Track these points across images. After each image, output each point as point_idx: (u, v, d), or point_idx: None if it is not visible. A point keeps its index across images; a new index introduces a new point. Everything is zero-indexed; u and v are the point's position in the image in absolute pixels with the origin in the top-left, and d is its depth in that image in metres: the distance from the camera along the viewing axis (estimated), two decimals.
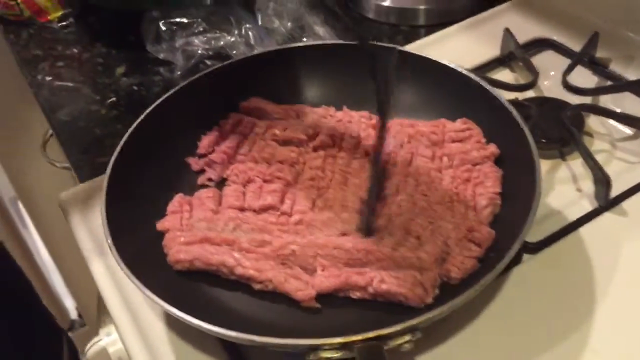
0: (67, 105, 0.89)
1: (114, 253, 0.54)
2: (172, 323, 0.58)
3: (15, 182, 1.38)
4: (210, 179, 0.65)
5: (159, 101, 0.67)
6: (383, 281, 0.52)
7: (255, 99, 0.70)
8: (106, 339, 0.65)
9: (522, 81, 0.79)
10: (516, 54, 0.80)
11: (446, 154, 0.62)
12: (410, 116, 0.68)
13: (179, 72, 0.91)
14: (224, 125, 0.68)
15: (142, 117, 0.66)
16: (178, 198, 0.62)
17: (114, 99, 0.89)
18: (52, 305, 1.62)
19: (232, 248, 0.56)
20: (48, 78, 0.94)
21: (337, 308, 0.54)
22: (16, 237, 1.48)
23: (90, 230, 0.68)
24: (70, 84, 0.92)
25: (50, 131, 1.06)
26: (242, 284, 0.56)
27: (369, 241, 0.55)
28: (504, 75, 0.82)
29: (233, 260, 0.55)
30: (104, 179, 0.70)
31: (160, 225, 0.59)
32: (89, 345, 0.66)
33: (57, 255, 1.52)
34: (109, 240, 0.54)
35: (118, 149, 0.63)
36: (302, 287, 0.53)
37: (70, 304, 1.70)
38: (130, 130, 0.65)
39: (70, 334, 1.71)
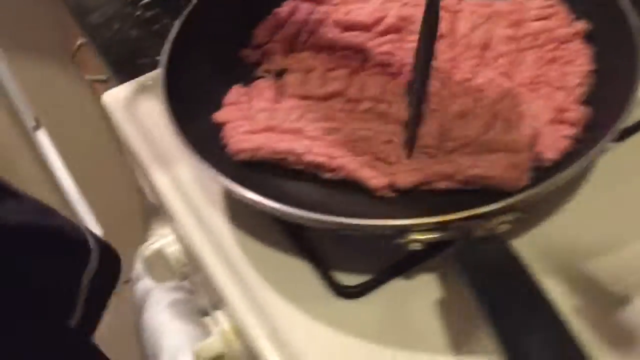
0: (98, 7, 0.84)
1: (180, 137, 0.50)
2: (236, 217, 0.55)
3: (38, 101, 1.33)
4: (267, 71, 0.60)
5: None
6: (475, 166, 0.47)
7: None
8: (162, 240, 0.62)
9: None
10: None
11: (529, 34, 0.57)
12: None
13: None
14: (279, 14, 0.63)
15: (190, 7, 0.61)
16: (235, 89, 0.57)
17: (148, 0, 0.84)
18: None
19: (298, 137, 0.52)
20: None
21: (414, 197, 0.50)
22: (38, 161, 1.45)
23: (140, 131, 0.63)
24: None
25: (79, 42, 1.01)
26: (307, 174, 0.52)
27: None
28: None
29: (302, 147, 0.51)
30: (149, 76, 0.67)
31: (218, 116, 0.55)
32: (142, 248, 0.62)
33: (82, 183, 1.49)
34: (175, 127, 0.50)
35: (169, 40, 0.58)
36: (376, 174, 0.49)
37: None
38: (179, 21, 0.60)
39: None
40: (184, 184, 0.58)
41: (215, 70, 0.60)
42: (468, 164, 0.48)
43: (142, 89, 0.67)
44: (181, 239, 0.59)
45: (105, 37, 0.79)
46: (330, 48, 0.59)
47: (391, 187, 0.49)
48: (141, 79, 0.68)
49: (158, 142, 0.62)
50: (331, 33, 0.60)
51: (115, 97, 0.67)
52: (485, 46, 0.57)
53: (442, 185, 0.49)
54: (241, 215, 0.55)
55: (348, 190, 0.50)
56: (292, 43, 0.61)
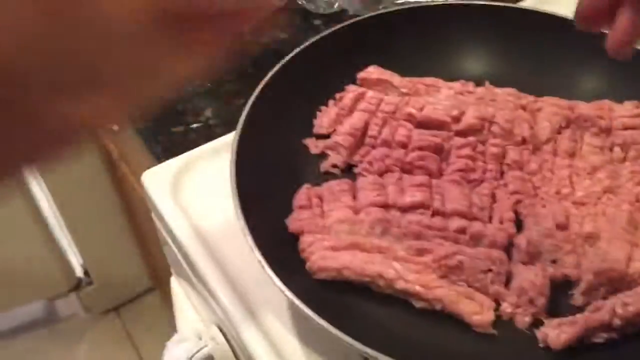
0: None
1: (256, 253, 0.46)
2: (304, 333, 0.50)
3: None
4: (334, 166, 0.56)
5: (274, 71, 0.57)
6: (627, 304, 0.44)
7: (375, 68, 0.60)
8: (211, 345, 0.57)
9: None
10: None
11: (618, 144, 0.54)
12: (548, 92, 0.59)
13: None
14: (342, 99, 0.59)
15: (256, 91, 0.56)
16: (305, 190, 0.53)
17: None
18: (57, 263, 1.52)
19: (387, 256, 0.48)
20: None
21: (517, 333, 0.47)
22: (22, 191, 1.36)
23: (188, 219, 0.58)
24: None
25: None
26: (394, 299, 0.48)
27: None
28: None
29: (393, 271, 0.46)
30: (193, 154, 0.62)
31: (294, 225, 0.50)
32: (193, 352, 0.57)
33: (64, 211, 1.41)
34: (249, 238, 0.46)
35: (238, 130, 0.53)
36: (478, 309, 0.46)
37: (75, 261, 1.60)
38: (246, 109, 0.55)
39: (76, 293, 1.63)
40: (243, 288, 0.53)
41: (280, 162, 0.56)
42: (620, 302, 0.45)
43: (186, 168, 0.62)
44: (240, 348, 0.54)
45: None
46: (404, 146, 0.55)
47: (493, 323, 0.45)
48: (182, 157, 0.63)
49: (211, 238, 0.57)
50: (404, 129, 0.56)
51: (157, 176, 0.61)
52: (573, 154, 0.54)
53: (601, 339, 0.45)
54: (310, 332, 0.50)
55: (443, 321, 0.46)
56: (362, 136, 0.57)
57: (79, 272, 1.61)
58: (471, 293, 0.46)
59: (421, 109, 0.57)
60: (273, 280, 0.44)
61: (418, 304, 0.47)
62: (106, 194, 1.38)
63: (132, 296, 1.68)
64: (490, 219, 0.51)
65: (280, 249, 0.49)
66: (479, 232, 0.49)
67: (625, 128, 0.55)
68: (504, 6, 0.60)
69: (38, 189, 1.54)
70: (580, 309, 0.47)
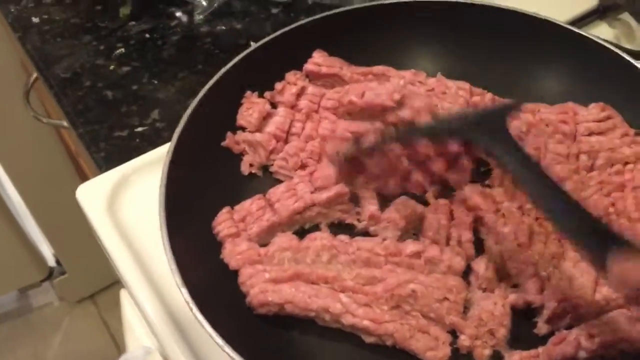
0: (64, 57, 0.72)
1: (184, 294, 0.41)
2: None
3: None
4: (252, 165, 0.53)
5: (221, 73, 0.53)
6: (592, 335, 0.40)
7: (320, 54, 0.55)
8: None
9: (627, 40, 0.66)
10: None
11: (584, 151, 0.49)
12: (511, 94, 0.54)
13: (200, 16, 0.75)
14: (282, 93, 0.54)
15: (203, 92, 0.53)
16: (226, 216, 0.48)
17: (122, 50, 0.72)
18: (28, 253, 1.48)
19: (333, 287, 0.43)
20: (35, 19, 0.76)
21: None
22: None
23: (121, 233, 0.54)
24: (64, 29, 0.75)
25: (34, 76, 0.88)
26: (343, 333, 0.44)
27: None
28: (602, 31, 0.68)
29: (340, 305, 0.42)
30: (130, 166, 0.57)
31: (235, 262, 0.45)
32: None
33: (31, 202, 1.36)
34: (178, 277, 0.41)
35: (171, 147, 0.48)
36: (432, 344, 0.41)
37: (47, 251, 1.56)
38: (188, 112, 0.51)
39: (49, 282, 1.60)
40: (183, 322, 0.49)
41: (210, 172, 0.51)
42: (584, 334, 0.41)
43: (125, 181, 0.57)
44: None
45: (75, 97, 0.68)
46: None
47: None
48: (122, 169, 0.58)
49: (147, 260, 0.52)
50: (327, 122, 0.52)
51: (92, 192, 0.57)
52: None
53: None
54: None
55: (395, 357, 0.42)
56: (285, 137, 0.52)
57: (51, 261, 1.57)
58: (425, 326, 0.42)
59: (362, 96, 0.51)
60: (203, 326, 0.39)
61: (368, 339, 0.43)
62: (73, 184, 1.32)
63: (108, 283, 1.65)
64: (447, 240, 0.46)
65: (214, 282, 0.45)
66: (435, 257, 0.44)
67: (591, 134, 0.50)
68: (463, 2, 0.55)
69: (5, 181, 1.49)
70: (544, 338, 0.43)
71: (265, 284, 0.43)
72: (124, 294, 0.69)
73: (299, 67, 0.57)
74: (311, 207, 0.48)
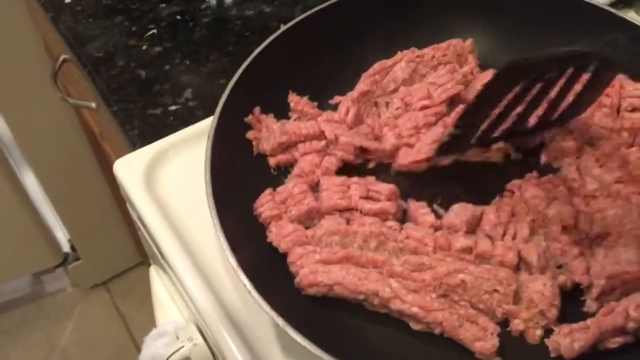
0: (97, 37, 0.73)
1: (236, 269, 0.42)
2: (286, 346, 0.47)
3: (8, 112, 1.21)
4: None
5: (265, 44, 0.54)
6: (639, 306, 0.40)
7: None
8: (188, 346, 0.54)
9: None
10: None
11: (626, 128, 0.50)
12: None
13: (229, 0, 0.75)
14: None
15: (240, 71, 0.52)
16: (269, 198, 0.48)
17: (154, 31, 0.73)
18: (44, 238, 1.49)
19: (381, 271, 0.44)
20: (67, 0, 0.77)
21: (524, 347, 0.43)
22: (4, 167, 1.32)
23: (162, 212, 0.54)
24: (95, 10, 0.76)
25: (62, 58, 0.89)
26: (389, 319, 0.44)
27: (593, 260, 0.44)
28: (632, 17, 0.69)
29: (389, 290, 0.42)
30: (168, 142, 0.57)
31: (285, 245, 0.46)
32: (171, 352, 0.54)
33: (49, 187, 1.37)
34: (229, 254, 0.42)
35: (214, 121, 0.49)
36: (481, 334, 0.42)
37: (62, 237, 1.57)
38: (227, 92, 0.51)
39: (63, 268, 1.61)
40: (222, 292, 0.50)
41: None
42: (633, 304, 0.41)
43: (161, 157, 0.58)
44: (219, 353, 0.50)
45: (109, 76, 0.69)
46: None
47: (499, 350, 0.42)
48: (159, 145, 0.59)
49: (187, 233, 0.53)
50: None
51: (130, 166, 0.57)
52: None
53: (615, 343, 0.41)
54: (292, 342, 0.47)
55: (441, 344, 0.43)
56: None
57: (65, 247, 1.58)
58: (474, 316, 0.42)
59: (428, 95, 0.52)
60: (257, 302, 0.40)
61: (415, 327, 0.43)
62: (91, 170, 1.34)
63: (121, 270, 1.66)
64: (502, 235, 0.47)
65: (263, 262, 0.46)
66: (486, 252, 0.45)
67: (634, 109, 0.50)
68: None
69: (23, 166, 1.50)
70: (593, 316, 0.44)
71: (315, 264, 0.44)
72: (153, 271, 0.70)
73: (335, 45, 0.57)
74: (353, 211, 0.48)
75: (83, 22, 0.74)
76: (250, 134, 0.52)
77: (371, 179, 0.50)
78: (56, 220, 1.54)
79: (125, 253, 1.60)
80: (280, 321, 0.40)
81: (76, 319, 1.62)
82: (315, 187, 0.49)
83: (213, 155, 0.47)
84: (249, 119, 0.52)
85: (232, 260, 0.42)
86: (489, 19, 0.55)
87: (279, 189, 0.49)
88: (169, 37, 0.72)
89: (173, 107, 0.66)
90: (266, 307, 0.40)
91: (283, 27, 0.54)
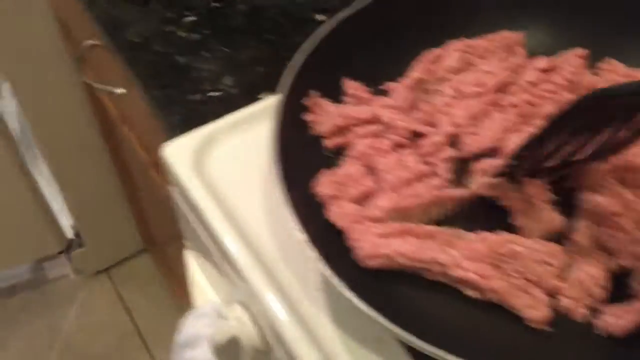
0: (133, 22, 0.73)
1: (306, 242, 0.43)
2: (338, 317, 0.48)
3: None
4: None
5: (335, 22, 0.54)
6: None
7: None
8: (236, 325, 0.55)
9: None
10: None
11: None
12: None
13: None
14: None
15: (303, 56, 0.53)
16: (328, 179, 0.50)
17: (191, 17, 0.74)
18: (48, 224, 1.49)
19: (439, 242, 0.46)
20: None
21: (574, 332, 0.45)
22: (13, 152, 1.32)
23: (212, 195, 0.55)
24: None
25: (89, 44, 0.90)
26: (442, 286, 0.46)
27: None
28: None
29: (449, 258, 0.44)
30: (217, 127, 0.58)
31: (343, 221, 0.47)
32: (216, 331, 0.55)
33: (57, 172, 1.37)
34: (298, 227, 0.43)
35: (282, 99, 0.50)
36: (533, 303, 0.44)
37: (65, 223, 1.57)
38: (289, 76, 0.52)
39: (66, 254, 1.61)
40: (273, 267, 0.51)
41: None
42: None
43: (210, 140, 0.59)
44: (270, 330, 0.52)
45: (146, 61, 0.69)
46: None
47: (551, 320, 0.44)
48: (208, 129, 0.60)
49: (238, 214, 0.54)
50: None
51: (179, 150, 0.58)
52: None
53: None
54: (345, 313, 0.48)
55: (495, 313, 0.45)
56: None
57: (69, 233, 1.58)
58: (526, 285, 0.44)
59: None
60: (326, 274, 0.42)
61: (469, 292, 0.45)
62: (100, 156, 1.34)
63: (124, 257, 1.66)
64: None
65: (323, 232, 0.47)
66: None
67: None
68: None
69: (29, 150, 1.50)
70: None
71: (375, 237, 0.45)
72: (187, 255, 0.71)
73: (387, 33, 0.58)
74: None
75: (118, 7, 0.75)
76: (308, 116, 0.53)
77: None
78: (61, 205, 1.54)
79: (128, 240, 1.60)
80: (347, 292, 0.41)
81: (79, 305, 1.63)
82: (370, 170, 0.51)
83: (277, 134, 0.48)
84: (308, 102, 0.53)
85: (301, 234, 0.43)
86: (540, 13, 0.57)
87: (337, 170, 0.50)
88: (206, 24, 0.73)
89: (213, 94, 0.66)
90: (335, 279, 0.42)
91: (340, 16, 0.55)
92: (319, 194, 0.49)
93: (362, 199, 0.49)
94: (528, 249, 0.45)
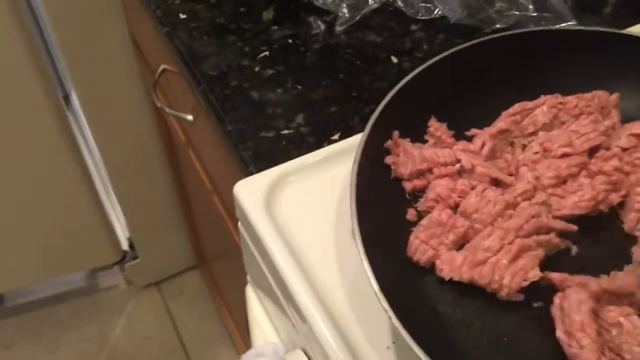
0: (211, 55, 0.75)
1: (377, 293, 0.43)
2: None
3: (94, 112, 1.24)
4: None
5: (414, 74, 0.54)
6: None
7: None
8: None
9: None
10: None
11: None
12: None
13: (341, 27, 0.77)
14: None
15: (389, 97, 0.53)
16: (416, 242, 0.49)
17: (266, 53, 0.75)
18: (106, 235, 1.52)
19: None
20: (182, 15, 0.79)
21: None
22: (79, 162, 1.35)
23: (281, 235, 0.56)
24: (210, 28, 0.78)
25: (162, 68, 0.92)
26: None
27: None
28: None
29: None
30: (290, 166, 0.59)
31: (465, 274, 0.47)
32: None
33: (118, 185, 1.40)
34: (376, 287, 0.43)
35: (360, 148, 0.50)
36: None
37: (122, 234, 1.60)
38: (374, 116, 0.52)
39: (119, 265, 1.64)
40: (339, 316, 0.51)
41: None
42: None
43: (282, 181, 0.59)
44: None
45: (222, 95, 0.70)
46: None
47: None
48: (280, 169, 0.60)
49: (305, 258, 0.54)
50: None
51: (251, 189, 0.59)
52: None
53: None
54: None
55: None
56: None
57: (125, 245, 1.61)
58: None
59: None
60: (397, 327, 0.41)
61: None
62: (162, 173, 1.37)
63: (174, 272, 1.69)
64: None
65: (396, 285, 0.47)
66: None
67: None
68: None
69: (93, 163, 1.54)
70: None
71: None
72: (250, 291, 0.71)
73: (481, 81, 0.58)
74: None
75: (197, 39, 0.76)
76: (388, 159, 0.53)
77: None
78: (117, 218, 1.57)
79: (181, 255, 1.62)
80: (418, 350, 0.40)
81: (128, 316, 1.65)
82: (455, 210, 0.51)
83: (358, 178, 0.48)
84: (389, 144, 0.53)
85: (375, 285, 0.43)
86: (638, 76, 0.56)
87: (423, 222, 0.50)
88: (281, 60, 0.74)
89: (285, 132, 0.67)
90: (405, 334, 0.41)
91: (434, 58, 0.55)
92: (419, 260, 0.49)
93: (462, 242, 0.50)
94: (636, 327, 0.43)
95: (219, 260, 1.35)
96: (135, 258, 1.60)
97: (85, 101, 1.22)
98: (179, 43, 0.76)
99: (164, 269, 1.67)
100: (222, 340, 1.58)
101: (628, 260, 0.49)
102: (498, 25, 0.73)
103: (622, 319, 0.43)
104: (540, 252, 0.47)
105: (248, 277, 0.70)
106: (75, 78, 1.17)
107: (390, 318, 0.41)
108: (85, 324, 1.63)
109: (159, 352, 1.59)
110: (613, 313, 0.43)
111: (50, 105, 1.20)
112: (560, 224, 0.49)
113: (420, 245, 0.48)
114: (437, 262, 0.48)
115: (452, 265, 0.46)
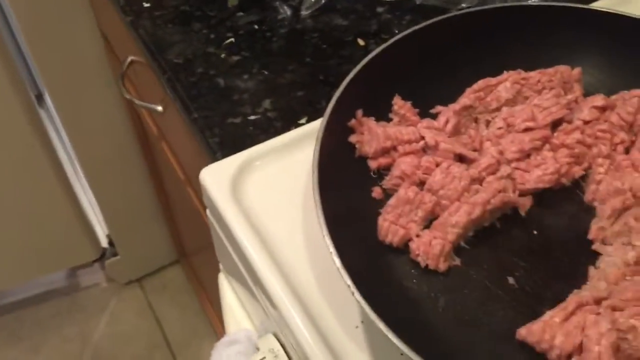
0: (175, 43, 0.74)
1: (340, 269, 0.43)
2: (379, 357, 0.48)
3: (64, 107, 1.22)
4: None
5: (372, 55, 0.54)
6: None
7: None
8: (269, 357, 0.54)
9: None
10: None
11: None
12: None
13: (307, 11, 0.76)
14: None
15: (350, 76, 0.53)
16: (386, 224, 0.49)
17: (232, 39, 0.74)
18: (84, 233, 1.51)
19: None
20: (146, 4, 0.78)
21: None
22: (53, 161, 1.34)
23: (249, 221, 0.55)
24: (174, 16, 0.77)
25: (130, 60, 0.91)
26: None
27: None
28: None
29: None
30: (256, 151, 0.58)
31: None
32: None
33: (94, 182, 1.38)
34: (338, 263, 0.42)
35: (323, 125, 0.50)
36: None
37: (100, 232, 1.59)
38: (335, 96, 0.52)
39: (100, 263, 1.62)
40: (308, 299, 0.51)
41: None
42: None
43: (248, 166, 0.59)
44: None
45: (188, 82, 0.70)
46: None
47: None
48: (246, 154, 0.59)
49: (274, 242, 0.54)
50: None
51: (216, 175, 0.58)
52: None
53: None
54: (384, 350, 0.48)
55: None
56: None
57: (104, 242, 1.60)
58: None
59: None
60: (361, 304, 0.41)
61: None
62: (137, 168, 1.35)
63: (156, 268, 1.68)
64: None
65: (361, 262, 0.46)
66: None
67: None
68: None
69: (68, 161, 1.52)
70: None
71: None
72: (223, 278, 0.71)
73: (443, 58, 0.58)
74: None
75: (162, 28, 0.75)
76: (352, 138, 0.53)
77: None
78: (95, 215, 1.56)
79: (162, 251, 1.61)
80: (382, 325, 0.40)
81: (110, 314, 1.64)
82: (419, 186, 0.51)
83: (320, 157, 0.48)
84: (353, 123, 0.53)
85: (337, 261, 0.43)
86: (600, 51, 0.56)
87: (390, 202, 0.49)
88: (247, 46, 0.73)
89: (252, 117, 0.66)
90: (369, 309, 0.41)
91: (396, 36, 0.55)
92: (392, 242, 0.48)
93: (430, 216, 0.50)
94: None
95: (199, 254, 1.34)
96: (115, 255, 1.59)
97: (57, 98, 1.20)
98: (143, 32, 0.75)
99: (145, 265, 1.66)
100: (205, 334, 1.57)
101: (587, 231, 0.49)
102: (463, 5, 0.73)
103: (633, 321, 0.42)
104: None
105: (220, 265, 0.70)
106: (45, 76, 1.16)
107: (353, 294, 0.41)
108: (66, 323, 1.61)
109: (143, 349, 1.58)
110: (623, 319, 0.42)
111: (21, 104, 1.19)
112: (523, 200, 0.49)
113: (390, 226, 0.48)
114: (413, 245, 0.47)
115: (424, 245, 0.46)
